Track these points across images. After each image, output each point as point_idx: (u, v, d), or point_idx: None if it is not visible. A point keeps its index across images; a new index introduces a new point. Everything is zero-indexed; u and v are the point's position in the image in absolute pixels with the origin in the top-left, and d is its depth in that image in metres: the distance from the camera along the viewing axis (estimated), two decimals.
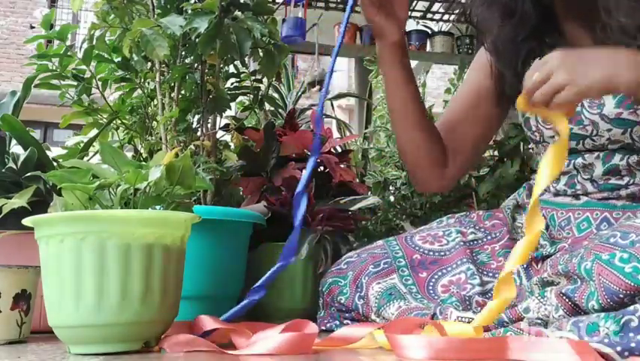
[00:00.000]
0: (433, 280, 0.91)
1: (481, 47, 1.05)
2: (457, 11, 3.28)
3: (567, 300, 0.69)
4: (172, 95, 1.15)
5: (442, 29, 3.35)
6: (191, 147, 1.14)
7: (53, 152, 1.07)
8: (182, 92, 1.17)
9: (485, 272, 0.92)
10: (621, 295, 0.64)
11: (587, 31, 0.89)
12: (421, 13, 3.34)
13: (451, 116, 1.08)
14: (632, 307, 0.62)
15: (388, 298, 0.90)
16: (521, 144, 1.78)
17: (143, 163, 0.81)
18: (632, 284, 0.63)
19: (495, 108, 1.04)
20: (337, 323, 0.97)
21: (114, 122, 1.23)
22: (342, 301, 0.95)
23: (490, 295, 0.86)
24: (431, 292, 0.91)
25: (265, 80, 1.28)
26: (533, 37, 0.94)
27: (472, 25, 1.02)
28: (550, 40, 0.94)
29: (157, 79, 1.13)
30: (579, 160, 0.93)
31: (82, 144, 1.20)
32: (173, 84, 1.14)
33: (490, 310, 0.70)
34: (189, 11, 1.05)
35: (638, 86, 0.72)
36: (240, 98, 1.34)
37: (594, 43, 0.87)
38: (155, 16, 1.11)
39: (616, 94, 0.86)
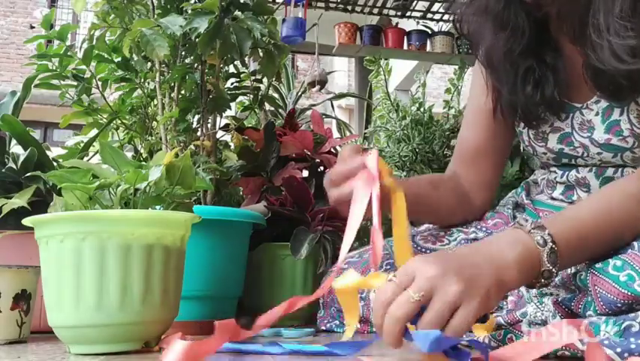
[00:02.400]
0: None
1: (477, 63, 1.01)
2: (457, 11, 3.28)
3: (564, 308, 0.69)
4: (172, 95, 1.15)
5: (442, 29, 3.36)
6: (191, 147, 1.14)
7: (53, 152, 1.07)
8: (182, 92, 1.17)
9: None
10: (619, 305, 0.63)
11: (580, 50, 0.83)
12: (421, 13, 3.34)
13: (466, 150, 1.03)
14: (632, 314, 0.62)
15: None
16: (521, 144, 1.78)
17: (143, 163, 0.81)
18: (629, 293, 0.63)
19: (503, 123, 0.99)
20: (337, 322, 0.97)
21: (114, 122, 1.23)
22: None
23: None
24: None
25: (265, 80, 1.28)
26: (531, 54, 0.89)
27: (463, 36, 0.96)
28: (550, 60, 0.88)
29: (157, 79, 1.13)
30: (573, 172, 0.92)
31: (82, 144, 1.20)
32: (173, 84, 1.14)
33: None
34: (189, 11, 1.05)
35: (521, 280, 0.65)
36: (240, 98, 1.34)
37: (586, 63, 0.82)
38: (155, 16, 1.11)
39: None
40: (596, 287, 0.66)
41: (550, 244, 0.65)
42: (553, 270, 0.65)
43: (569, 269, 0.71)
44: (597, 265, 0.67)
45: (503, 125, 0.99)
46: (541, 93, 0.88)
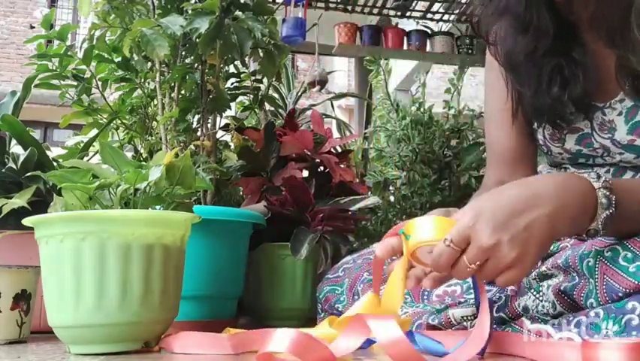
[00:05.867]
0: (429, 288, 0.90)
1: (488, 56, 0.96)
2: (457, 11, 3.28)
3: (565, 297, 0.69)
4: (172, 95, 1.15)
5: (442, 29, 3.36)
6: (191, 147, 1.14)
7: (53, 152, 1.07)
8: (182, 92, 1.17)
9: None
10: (620, 294, 0.64)
11: (616, 52, 0.80)
12: (421, 13, 3.34)
13: (504, 153, 0.97)
14: (630, 306, 0.62)
15: None
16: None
17: (143, 163, 0.80)
18: (635, 282, 0.63)
19: (515, 119, 0.93)
20: None
21: (114, 122, 1.23)
22: (339, 309, 0.95)
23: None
24: (425, 300, 0.90)
25: (265, 80, 1.28)
26: (556, 52, 0.83)
27: (481, 38, 0.90)
28: (578, 56, 0.82)
29: (157, 79, 1.13)
30: (589, 171, 0.88)
31: (82, 144, 1.20)
32: (173, 84, 1.14)
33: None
34: (190, 11, 1.05)
35: (576, 228, 0.66)
36: (240, 98, 1.35)
37: (621, 65, 0.79)
38: (156, 16, 1.11)
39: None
40: (605, 276, 0.66)
41: (612, 208, 0.65)
42: (601, 231, 0.66)
43: (575, 252, 0.71)
44: (607, 254, 0.67)
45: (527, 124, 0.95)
46: (569, 93, 0.83)
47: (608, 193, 0.65)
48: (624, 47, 0.77)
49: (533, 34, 0.83)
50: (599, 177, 0.66)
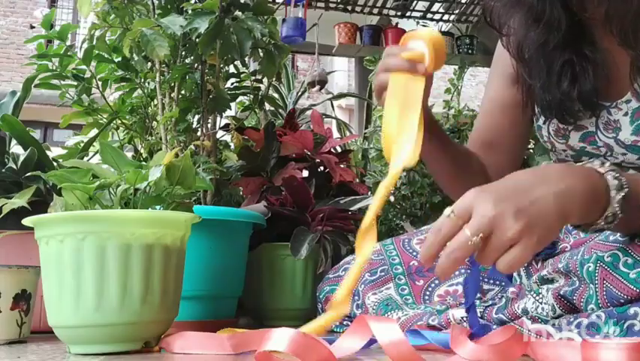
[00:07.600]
0: (430, 288, 0.90)
1: (498, 47, 0.97)
2: (457, 11, 3.28)
3: (565, 302, 0.69)
4: (172, 95, 1.15)
5: (442, 29, 3.36)
6: (191, 147, 1.14)
7: (53, 152, 1.07)
8: (182, 92, 1.17)
9: (485, 279, 0.91)
10: (622, 301, 0.64)
11: (630, 52, 0.79)
12: (421, 13, 3.34)
13: (482, 133, 1.01)
14: (632, 311, 0.62)
15: (385, 308, 0.90)
16: (540, 138, 1.78)
17: (143, 163, 0.80)
18: (636, 290, 0.63)
19: (524, 114, 0.96)
20: (337, 323, 0.97)
21: (114, 122, 1.23)
22: None
23: (490, 302, 0.85)
24: (427, 300, 0.90)
25: (265, 80, 1.28)
26: (567, 47, 0.83)
27: (493, 28, 0.91)
28: (589, 53, 0.83)
29: (157, 79, 1.13)
30: (592, 160, 0.90)
31: (82, 144, 1.20)
32: (173, 84, 1.14)
33: (320, 323, 0.68)
34: (190, 11, 1.06)
35: (588, 213, 0.62)
36: (240, 98, 1.35)
37: (632, 58, 0.79)
38: (156, 16, 1.11)
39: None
40: (604, 282, 0.66)
41: (626, 189, 0.62)
42: (619, 215, 0.62)
43: (574, 257, 0.71)
44: (607, 260, 0.67)
45: (525, 117, 0.96)
46: (579, 89, 0.83)
47: (617, 175, 0.62)
48: (638, 46, 0.77)
49: (545, 27, 0.83)
50: (603, 163, 0.64)
